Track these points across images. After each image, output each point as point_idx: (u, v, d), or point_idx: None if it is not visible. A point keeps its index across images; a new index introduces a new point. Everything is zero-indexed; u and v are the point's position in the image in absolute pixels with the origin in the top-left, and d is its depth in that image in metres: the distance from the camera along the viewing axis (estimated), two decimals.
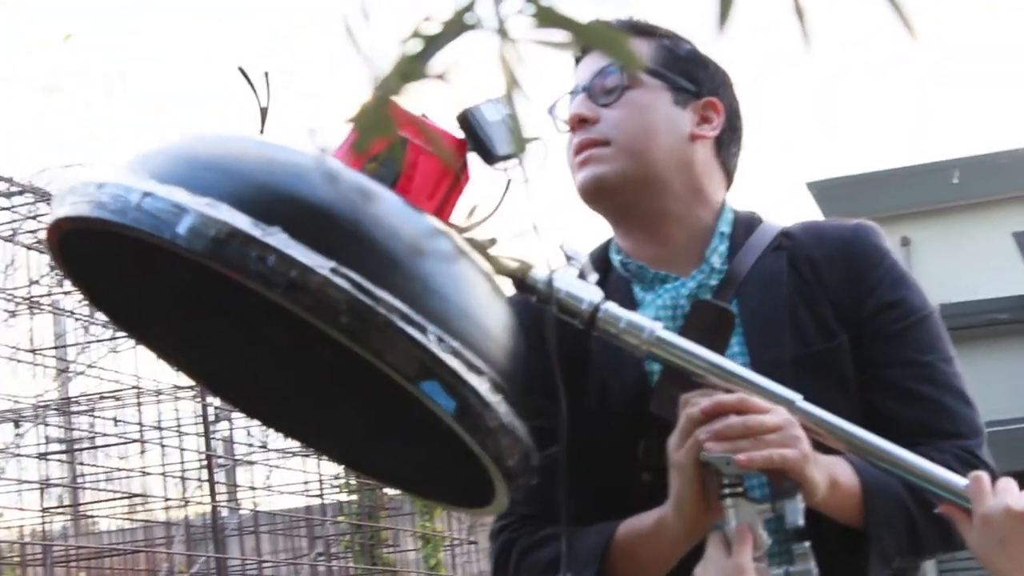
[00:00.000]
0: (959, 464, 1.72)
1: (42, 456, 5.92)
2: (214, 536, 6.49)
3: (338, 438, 1.67)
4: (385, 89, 0.69)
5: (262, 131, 1.49)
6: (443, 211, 1.49)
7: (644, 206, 1.89)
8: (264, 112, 1.49)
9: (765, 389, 1.62)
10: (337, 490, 8.23)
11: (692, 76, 1.91)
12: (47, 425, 6.21)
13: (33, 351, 5.45)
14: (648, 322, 1.61)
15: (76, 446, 6.78)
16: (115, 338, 5.95)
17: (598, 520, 1.77)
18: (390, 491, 8.29)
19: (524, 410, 1.36)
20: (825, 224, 1.98)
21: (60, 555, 6.57)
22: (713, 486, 1.61)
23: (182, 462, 6.58)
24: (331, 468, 7.91)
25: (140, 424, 6.39)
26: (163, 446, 6.49)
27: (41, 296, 5.57)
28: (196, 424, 6.59)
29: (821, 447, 1.64)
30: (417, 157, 1.46)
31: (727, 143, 1.94)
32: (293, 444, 7.34)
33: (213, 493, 6.52)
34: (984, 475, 1.62)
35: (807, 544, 1.58)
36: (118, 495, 6.95)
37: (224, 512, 7.08)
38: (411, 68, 0.69)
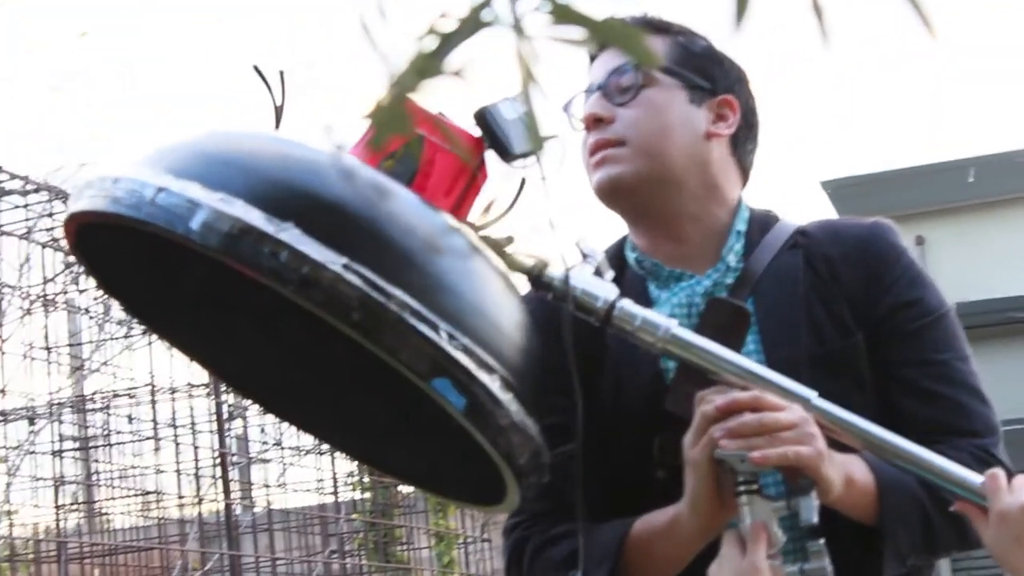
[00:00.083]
0: (975, 462, 1.72)
1: (57, 453, 5.93)
2: (228, 533, 6.50)
3: (353, 434, 1.67)
4: (402, 86, 0.69)
5: (277, 128, 1.49)
6: (460, 209, 1.49)
7: (660, 206, 1.89)
8: (280, 110, 1.49)
9: (780, 386, 1.62)
10: (351, 488, 8.24)
11: (707, 73, 1.91)
12: (62, 423, 6.22)
13: (48, 349, 5.46)
14: (663, 319, 1.61)
15: (91, 444, 6.80)
16: (130, 336, 5.96)
17: (613, 517, 1.77)
18: (404, 489, 8.31)
19: (536, 408, 1.36)
20: (841, 222, 1.98)
21: (74, 552, 6.58)
22: (728, 484, 1.61)
23: (196, 460, 6.59)
24: (345, 466, 7.93)
25: (154, 422, 6.40)
26: (177, 444, 6.50)
27: (56, 294, 5.58)
28: (210, 422, 6.61)
29: (837, 445, 1.64)
30: (434, 154, 1.46)
31: (743, 140, 1.94)
32: (307, 442, 7.36)
33: (227, 491, 6.53)
34: (1000, 472, 1.62)
35: (822, 542, 1.58)
36: (132, 493, 6.97)
37: (238, 510, 7.09)
38: (427, 65, 0.69)
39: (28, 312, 5.40)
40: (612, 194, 1.88)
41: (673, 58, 1.90)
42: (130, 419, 6.61)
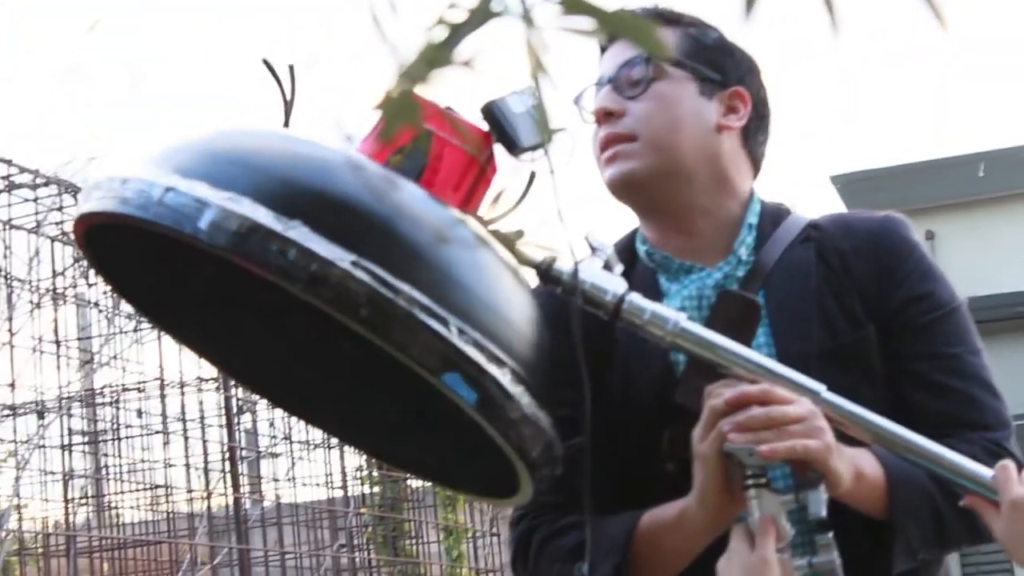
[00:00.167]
0: (987, 456, 1.72)
1: (66, 447, 5.93)
2: (237, 528, 6.51)
3: (363, 429, 1.67)
4: (410, 76, 0.68)
5: (286, 125, 1.49)
6: (469, 203, 1.48)
7: (671, 200, 1.89)
8: (289, 106, 1.49)
9: (789, 380, 1.62)
10: (360, 482, 8.25)
11: (718, 65, 1.90)
12: (71, 416, 6.23)
13: (57, 342, 5.46)
14: (673, 313, 1.61)
15: (100, 438, 6.81)
16: (139, 330, 5.97)
17: (622, 510, 1.77)
18: (413, 483, 8.31)
19: (548, 401, 1.36)
20: (854, 216, 1.97)
21: (83, 546, 6.59)
22: (737, 477, 1.60)
23: (205, 454, 6.60)
24: (354, 460, 7.93)
25: (164, 416, 6.41)
26: (187, 438, 6.51)
27: (66, 288, 5.59)
28: (220, 416, 6.61)
29: (846, 439, 1.64)
30: (442, 149, 1.46)
31: (754, 132, 1.93)
32: (316, 436, 7.36)
33: (236, 485, 6.53)
34: (1011, 464, 1.61)
35: (830, 535, 1.58)
36: (142, 487, 6.98)
37: (247, 504, 7.10)
38: (437, 55, 0.68)
39: (38, 306, 5.40)
40: (623, 190, 1.88)
41: (684, 50, 1.89)
42: (139, 413, 6.62)
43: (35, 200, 5.37)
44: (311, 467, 7.82)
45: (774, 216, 1.93)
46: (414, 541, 8.42)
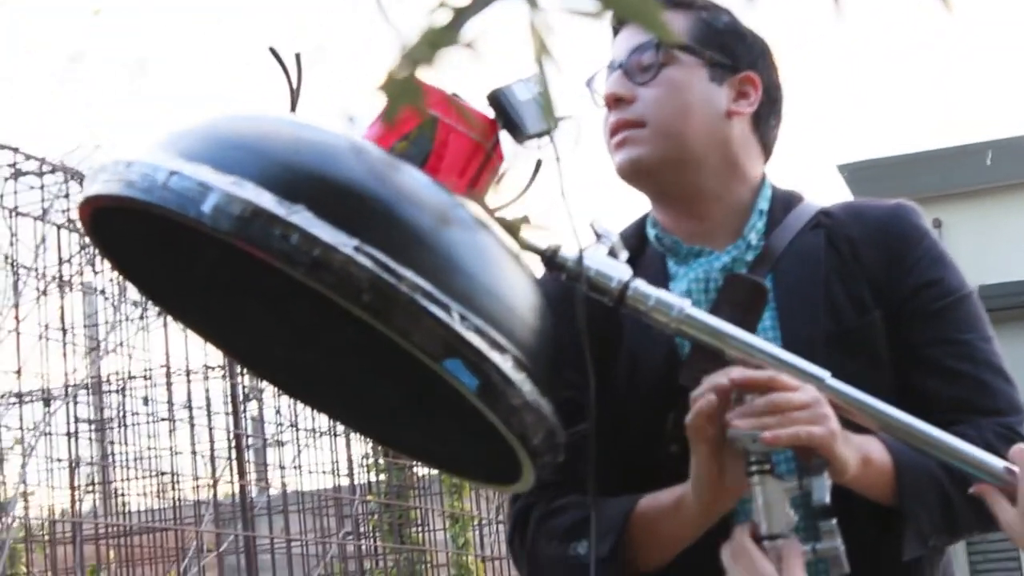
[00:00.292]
0: (999, 441, 1.71)
1: (72, 435, 5.95)
2: (243, 515, 6.52)
3: (367, 415, 1.67)
4: (414, 57, 0.68)
5: (294, 111, 1.49)
6: (474, 190, 1.48)
7: (681, 185, 1.88)
8: (295, 93, 1.49)
9: (794, 366, 1.61)
10: (366, 470, 8.25)
11: (729, 50, 1.89)
12: (77, 404, 6.24)
13: (64, 330, 5.47)
14: (677, 300, 1.60)
15: (106, 425, 6.82)
16: (145, 318, 5.98)
17: (625, 492, 1.77)
18: (419, 471, 8.32)
19: (550, 388, 1.36)
20: (865, 204, 1.97)
21: (90, 533, 6.61)
22: (739, 464, 1.60)
23: (212, 441, 6.61)
24: (360, 448, 7.94)
25: (170, 403, 6.43)
26: (193, 425, 6.52)
27: (72, 275, 5.59)
28: (226, 404, 6.63)
29: (851, 425, 1.64)
30: (447, 135, 1.46)
31: (765, 116, 1.93)
32: (322, 424, 7.37)
33: (243, 472, 6.55)
34: None
35: (834, 521, 1.57)
36: (148, 474, 6.99)
37: (253, 491, 7.12)
38: (440, 37, 0.68)
39: (44, 293, 5.41)
40: (633, 176, 1.88)
41: (694, 34, 1.88)
42: (146, 401, 6.64)
43: (41, 187, 5.38)
44: (317, 455, 7.84)
45: (786, 202, 1.92)
46: (420, 529, 8.43)
